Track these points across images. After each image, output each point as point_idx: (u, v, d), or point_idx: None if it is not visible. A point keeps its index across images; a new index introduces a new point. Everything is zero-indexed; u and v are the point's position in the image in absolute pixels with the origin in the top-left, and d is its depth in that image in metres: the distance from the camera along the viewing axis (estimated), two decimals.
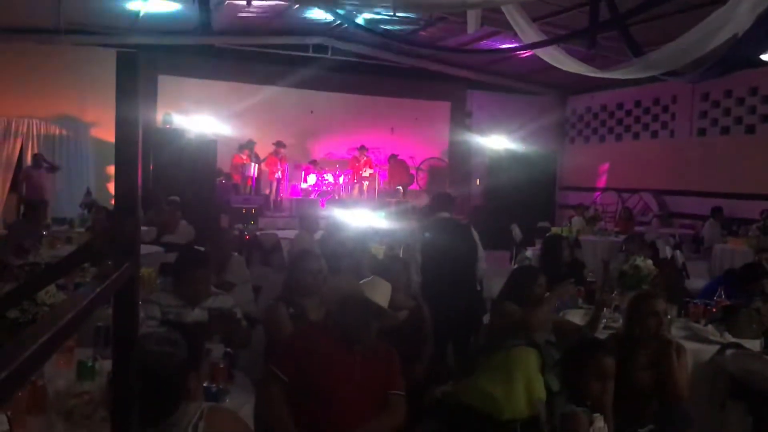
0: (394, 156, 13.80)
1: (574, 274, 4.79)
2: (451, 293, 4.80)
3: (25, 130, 11.65)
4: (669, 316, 3.66)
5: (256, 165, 12.39)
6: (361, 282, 2.99)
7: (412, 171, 14.18)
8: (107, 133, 11.55)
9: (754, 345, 3.85)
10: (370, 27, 10.08)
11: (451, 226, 5.28)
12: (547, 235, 8.08)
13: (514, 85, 14.73)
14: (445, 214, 5.33)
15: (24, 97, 11.48)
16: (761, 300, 4.33)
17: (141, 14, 10.52)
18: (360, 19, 9.88)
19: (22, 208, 10.79)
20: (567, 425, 2.61)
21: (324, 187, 12.95)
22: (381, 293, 2.91)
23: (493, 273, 5.71)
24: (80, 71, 11.53)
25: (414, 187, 14.10)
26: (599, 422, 2.58)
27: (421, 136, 14.43)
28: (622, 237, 9.86)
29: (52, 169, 11.02)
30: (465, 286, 5.10)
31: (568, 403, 2.70)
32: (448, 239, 5.07)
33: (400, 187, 13.60)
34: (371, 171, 13.39)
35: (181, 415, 1.92)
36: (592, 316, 3.88)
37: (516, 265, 7.49)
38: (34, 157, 11.09)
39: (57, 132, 11.90)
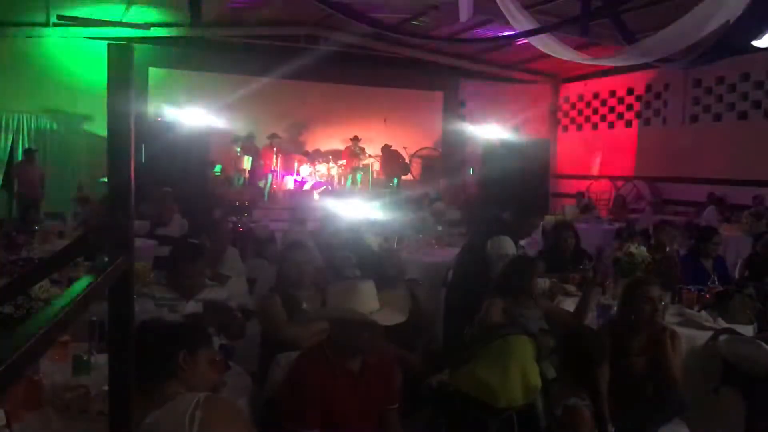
0: (387, 146, 13.70)
1: (578, 264, 4.77)
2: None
3: (15, 125, 11.58)
4: (663, 303, 3.67)
5: (250, 157, 12.35)
6: (344, 292, 2.80)
7: (407, 161, 14.09)
8: (99, 127, 11.50)
9: (747, 330, 3.89)
10: (363, 17, 10.01)
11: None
12: (555, 221, 8.00)
13: (506, 73, 14.71)
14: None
15: (14, 92, 11.39)
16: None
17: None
18: None
19: (15, 203, 10.73)
20: (569, 419, 2.61)
21: (318, 179, 12.92)
22: (368, 296, 2.74)
23: None
24: (70, 64, 11.45)
25: (408, 177, 14.06)
26: None
27: (414, 127, 14.38)
28: (615, 224, 9.91)
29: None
30: None
31: (567, 393, 2.71)
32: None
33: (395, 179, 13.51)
34: (365, 162, 13.35)
35: (177, 404, 1.92)
36: (582, 299, 3.89)
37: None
38: (27, 151, 11.02)
39: (48, 126, 11.82)
